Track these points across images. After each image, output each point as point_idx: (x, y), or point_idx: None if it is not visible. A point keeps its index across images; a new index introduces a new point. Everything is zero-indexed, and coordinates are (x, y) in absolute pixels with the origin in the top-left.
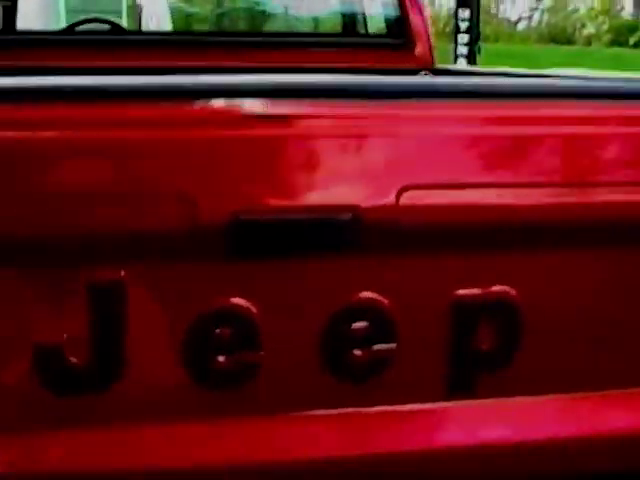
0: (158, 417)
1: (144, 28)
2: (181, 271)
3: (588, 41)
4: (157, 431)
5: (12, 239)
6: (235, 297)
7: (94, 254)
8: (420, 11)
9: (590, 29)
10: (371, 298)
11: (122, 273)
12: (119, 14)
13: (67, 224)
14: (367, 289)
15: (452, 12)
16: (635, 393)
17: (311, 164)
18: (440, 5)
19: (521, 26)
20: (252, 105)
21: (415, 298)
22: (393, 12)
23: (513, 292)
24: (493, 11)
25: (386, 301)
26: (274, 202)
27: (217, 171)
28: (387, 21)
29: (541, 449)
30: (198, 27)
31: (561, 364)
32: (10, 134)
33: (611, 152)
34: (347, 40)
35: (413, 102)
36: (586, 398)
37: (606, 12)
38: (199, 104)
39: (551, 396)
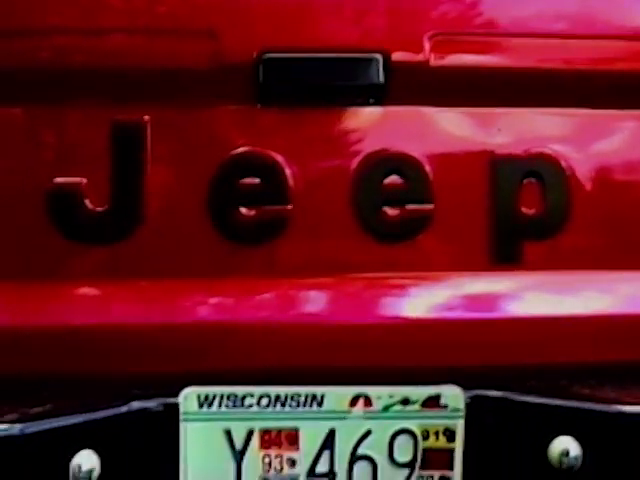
0: (177, 268)
1: None
2: (205, 114)
3: None
4: (174, 283)
5: (35, 73)
6: (262, 144)
7: (117, 93)
8: None
9: None
10: (403, 152)
11: (145, 114)
12: None
13: (92, 60)
14: (398, 140)
15: None
16: None
17: (341, 2)
18: None
19: None
20: None
21: (450, 153)
22: None
23: (558, 152)
24: None
25: (419, 155)
26: (300, 40)
27: (243, 6)
28: None
29: (583, 325)
30: None
31: (611, 239)
32: None
33: None
34: None
35: None
36: (637, 277)
37: None
38: None
39: (598, 272)
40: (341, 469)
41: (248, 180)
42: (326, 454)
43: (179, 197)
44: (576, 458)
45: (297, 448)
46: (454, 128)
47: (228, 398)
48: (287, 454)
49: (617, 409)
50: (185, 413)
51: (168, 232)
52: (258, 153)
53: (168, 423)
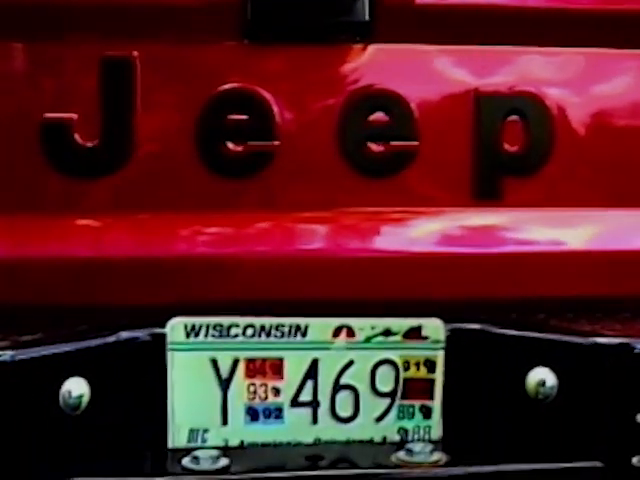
0: (164, 202)
1: None
2: (194, 50)
3: None
4: (162, 217)
5: (24, 9)
6: (250, 80)
7: (106, 29)
8: None
9: None
10: (389, 89)
11: (134, 49)
12: None
13: None
14: (384, 78)
15: None
16: None
17: None
18: None
19: None
20: None
21: (435, 90)
22: None
23: (542, 91)
24: None
25: (405, 92)
26: None
27: None
28: None
29: (561, 260)
30: None
31: (592, 177)
32: None
33: None
34: None
35: None
36: (617, 215)
37: None
38: None
39: (577, 209)
40: (324, 398)
41: (236, 116)
42: (309, 383)
43: (168, 132)
44: (552, 388)
45: (281, 377)
46: (439, 66)
47: (214, 328)
48: (271, 383)
49: (592, 341)
50: (172, 343)
51: (157, 167)
52: (245, 89)
53: (156, 352)
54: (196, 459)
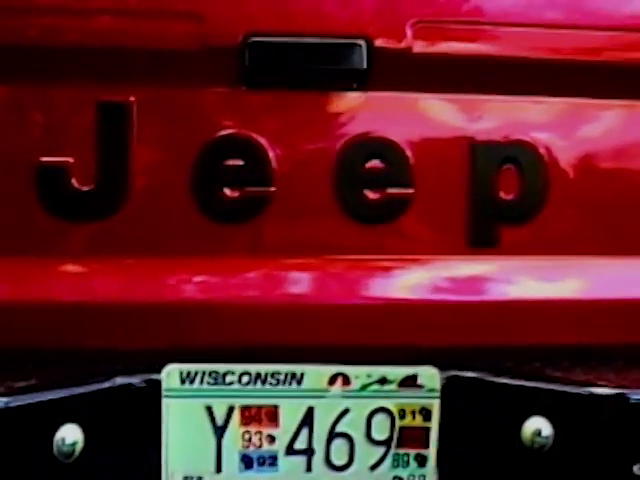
0: (160, 247)
1: None
2: (191, 95)
3: None
4: (158, 262)
5: (23, 52)
6: (246, 126)
7: (103, 73)
8: None
9: None
10: (384, 137)
11: (131, 94)
12: None
13: (79, 40)
14: (380, 125)
15: None
16: None
17: None
18: None
19: None
20: None
21: (431, 138)
22: None
23: (537, 139)
24: None
25: (400, 140)
26: (286, 24)
27: None
28: None
29: (557, 309)
30: None
31: (587, 225)
32: None
33: None
34: None
35: None
36: (611, 263)
37: None
38: None
39: (572, 257)
40: (319, 446)
41: (232, 161)
42: (305, 431)
43: (164, 177)
44: (548, 438)
45: (277, 425)
46: (435, 114)
47: (210, 375)
48: (267, 431)
49: (588, 391)
50: (167, 389)
51: (152, 211)
52: (242, 135)
53: (151, 399)
54: None
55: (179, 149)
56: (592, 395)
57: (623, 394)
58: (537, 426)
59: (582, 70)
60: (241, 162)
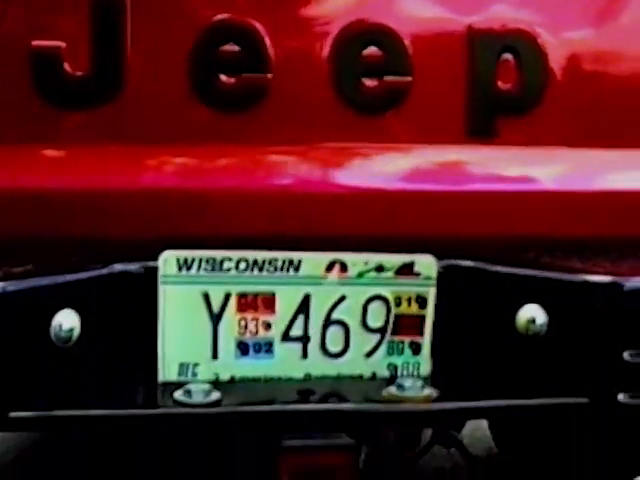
0: (156, 135)
1: None
2: None
3: None
4: (155, 149)
5: None
6: (242, 11)
7: None
8: None
9: None
10: (382, 24)
11: None
12: None
13: None
14: (377, 12)
15: None
16: None
17: None
18: None
19: None
20: None
21: (430, 27)
22: None
23: (538, 29)
24: None
25: (398, 27)
26: None
27: None
28: None
29: (553, 199)
30: None
31: (585, 117)
32: None
33: None
34: None
35: None
36: (607, 155)
37: None
38: None
39: (569, 149)
40: (315, 333)
41: (228, 47)
42: (301, 318)
43: (160, 63)
44: (542, 325)
45: (273, 312)
46: (434, 1)
47: (207, 262)
48: (263, 317)
49: (582, 279)
50: (164, 276)
51: (148, 98)
52: (238, 21)
53: (147, 285)
54: (188, 392)
55: (175, 35)
56: (586, 283)
57: (617, 282)
58: (531, 314)
59: None
60: (237, 48)
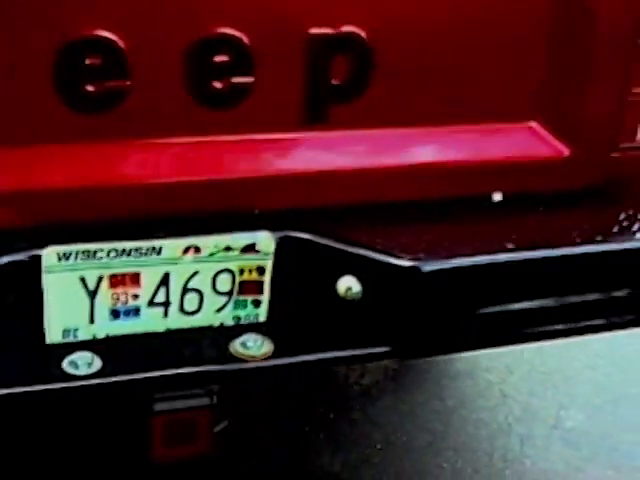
0: (23, 136)
1: None
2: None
3: None
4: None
5: None
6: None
7: None
8: None
9: None
10: (227, 33)
11: None
12: None
13: None
14: (223, 21)
15: None
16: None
17: None
18: None
19: None
20: None
21: (271, 32)
22: None
23: (364, 31)
24: None
25: (243, 34)
26: None
27: None
28: None
29: (375, 177)
30: None
31: (411, 99)
32: None
33: None
34: None
35: None
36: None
37: None
38: None
39: (393, 129)
40: (175, 299)
41: (91, 60)
42: (162, 289)
43: (23, 69)
44: (357, 293)
45: (139, 285)
46: (274, 9)
47: (83, 253)
48: (131, 291)
49: (387, 260)
50: (47, 266)
51: (12, 101)
52: (101, 35)
53: (33, 273)
54: (74, 363)
55: (38, 48)
56: (390, 265)
57: (415, 266)
58: (348, 283)
59: None
60: (99, 60)
